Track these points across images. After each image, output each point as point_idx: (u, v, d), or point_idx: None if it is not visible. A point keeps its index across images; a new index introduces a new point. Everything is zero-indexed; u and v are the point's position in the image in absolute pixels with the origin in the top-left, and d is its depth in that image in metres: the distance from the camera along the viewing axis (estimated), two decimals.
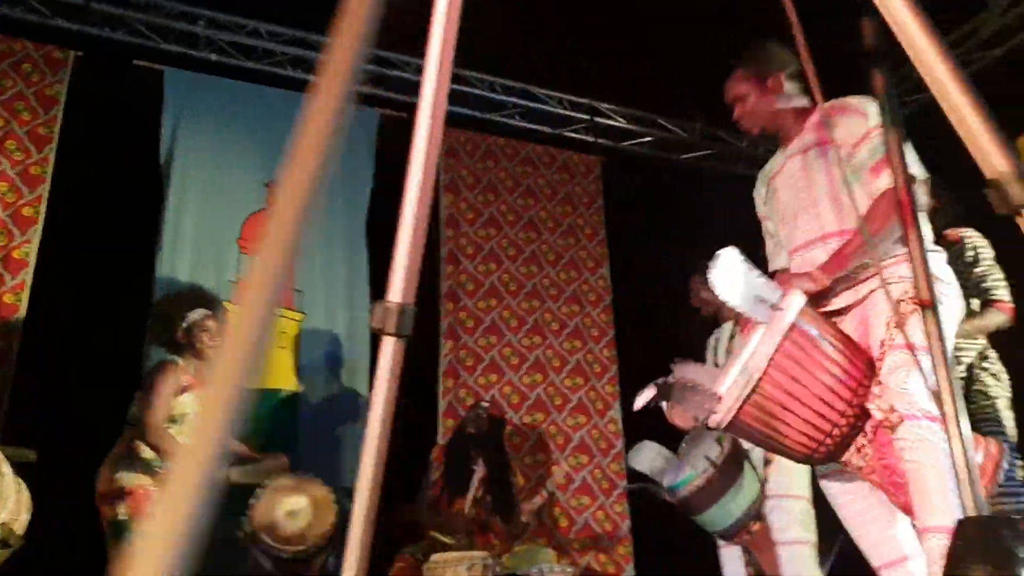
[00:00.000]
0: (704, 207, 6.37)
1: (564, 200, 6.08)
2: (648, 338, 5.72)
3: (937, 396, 1.10)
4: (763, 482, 3.98)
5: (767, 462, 4.04)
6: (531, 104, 6.13)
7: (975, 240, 3.79)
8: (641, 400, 3.61)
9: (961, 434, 1.07)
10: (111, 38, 5.20)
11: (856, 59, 1.43)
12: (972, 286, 3.65)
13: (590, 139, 6.28)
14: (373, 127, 5.61)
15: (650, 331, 5.72)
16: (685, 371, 2.83)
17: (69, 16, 5.10)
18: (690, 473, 3.85)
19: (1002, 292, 3.70)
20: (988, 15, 5.48)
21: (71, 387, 4.37)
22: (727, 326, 4.43)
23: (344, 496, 4.91)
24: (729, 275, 2.26)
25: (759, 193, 2.93)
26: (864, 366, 2.34)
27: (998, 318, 3.68)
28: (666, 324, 5.14)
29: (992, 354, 3.80)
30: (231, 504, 4.17)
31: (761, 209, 2.88)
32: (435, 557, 4.04)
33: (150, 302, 4.67)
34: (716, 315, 4.51)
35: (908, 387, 2.25)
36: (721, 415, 2.31)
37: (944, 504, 2.13)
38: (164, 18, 5.27)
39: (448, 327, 5.45)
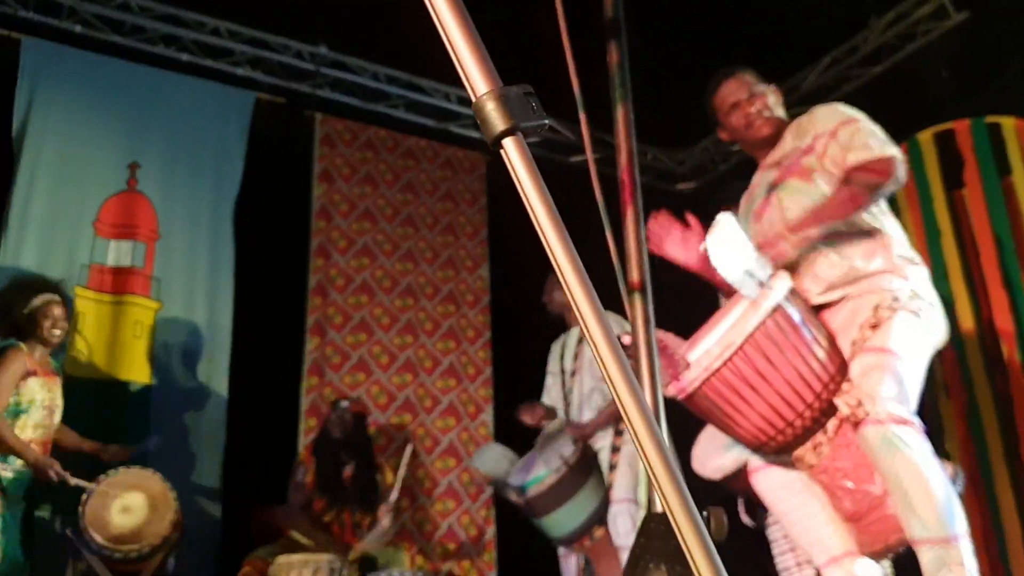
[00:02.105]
0: (589, 211, 6.32)
1: (445, 196, 5.94)
2: (525, 341, 5.62)
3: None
4: (609, 487, 3.94)
5: (612, 467, 4.00)
6: (417, 97, 5.97)
7: None
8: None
9: (656, 431, 0.98)
10: None
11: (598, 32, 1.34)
12: None
13: (476, 136, 6.16)
14: (247, 110, 5.37)
15: (527, 334, 5.62)
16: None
17: None
18: (543, 471, 3.78)
19: None
20: (869, 33, 5.57)
21: None
22: (575, 331, 4.37)
23: (201, 494, 4.74)
24: (726, 243, 2.17)
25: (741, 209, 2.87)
26: (840, 363, 2.29)
27: None
28: (543, 328, 5.06)
29: None
30: (64, 500, 3.94)
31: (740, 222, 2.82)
32: (280, 559, 3.91)
33: None
34: (563, 318, 4.45)
35: (880, 390, 2.19)
36: (686, 383, 2.23)
37: (931, 511, 2.07)
38: None
39: (315, 323, 5.24)
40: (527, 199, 0.76)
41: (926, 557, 2.06)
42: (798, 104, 5.36)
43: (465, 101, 6.12)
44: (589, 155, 1.22)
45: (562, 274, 0.74)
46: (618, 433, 4.02)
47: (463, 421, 5.46)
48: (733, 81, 2.76)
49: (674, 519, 0.68)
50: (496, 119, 0.76)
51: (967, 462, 4.38)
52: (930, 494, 2.07)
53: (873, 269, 2.42)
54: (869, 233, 2.48)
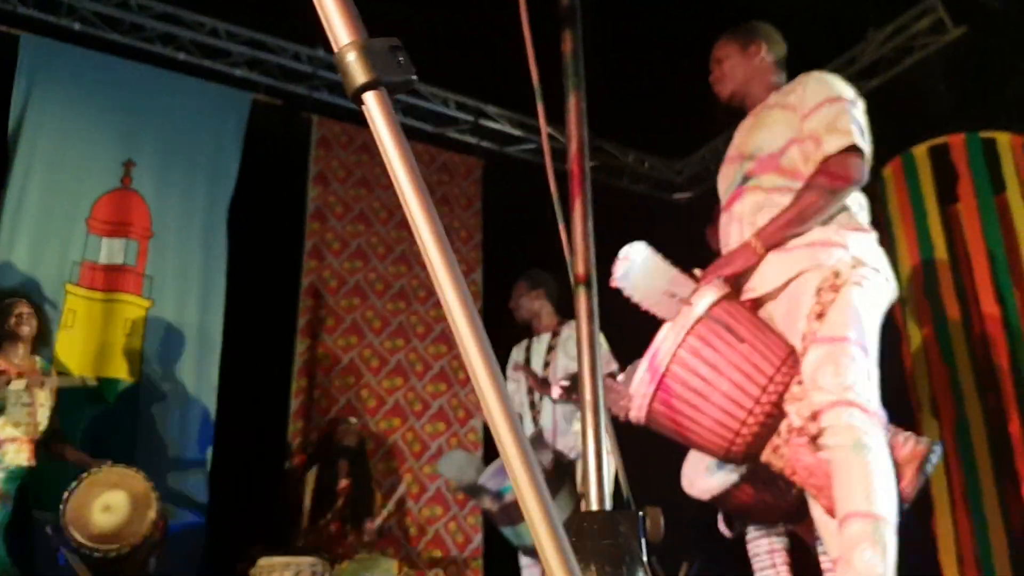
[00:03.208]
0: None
1: (441, 201, 5.92)
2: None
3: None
4: (581, 497, 3.88)
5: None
6: (414, 101, 5.96)
7: None
8: (555, 393, 3.60)
9: (598, 424, 0.97)
10: None
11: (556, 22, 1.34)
12: None
13: (473, 141, 6.15)
14: (244, 111, 5.37)
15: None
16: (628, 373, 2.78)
17: None
18: None
19: None
20: (866, 46, 5.55)
21: None
22: (544, 338, 4.34)
23: (186, 494, 4.72)
24: (637, 270, 2.22)
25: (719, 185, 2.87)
26: (780, 360, 2.27)
27: None
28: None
29: None
30: (45, 497, 3.92)
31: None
32: (261, 562, 3.88)
33: None
34: (531, 323, 4.42)
35: (838, 381, 2.16)
36: (635, 412, 2.31)
37: (867, 489, 2.05)
38: None
39: (306, 324, 5.23)
40: (387, 158, 0.72)
41: (850, 529, 2.02)
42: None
43: (463, 106, 6.13)
44: (546, 147, 1.21)
45: (420, 238, 0.70)
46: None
47: (453, 426, 5.44)
48: (715, 46, 2.84)
49: (528, 512, 0.67)
50: (356, 72, 0.71)
51: (955, 479, 4.34)
52: (869, 475, 2.06)
53: (810, 242, 2.40)
54: None
